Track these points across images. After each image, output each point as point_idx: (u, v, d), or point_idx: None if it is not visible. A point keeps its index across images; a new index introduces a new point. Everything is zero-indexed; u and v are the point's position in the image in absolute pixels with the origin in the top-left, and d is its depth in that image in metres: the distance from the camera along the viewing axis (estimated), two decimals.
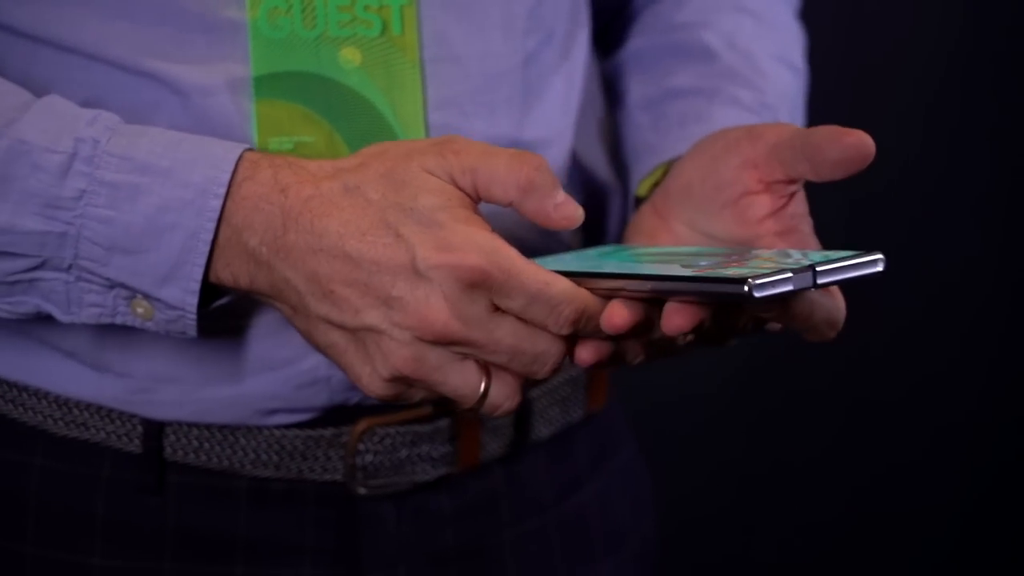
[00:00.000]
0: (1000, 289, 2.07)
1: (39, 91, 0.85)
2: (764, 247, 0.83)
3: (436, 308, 0.75)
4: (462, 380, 0.77)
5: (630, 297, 0.76)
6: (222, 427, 0.89)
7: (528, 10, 0.90)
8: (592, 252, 0.87)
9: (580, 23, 0.97)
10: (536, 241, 0.89)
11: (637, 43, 1.04)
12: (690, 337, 0.77)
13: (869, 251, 0.75)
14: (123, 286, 0.80)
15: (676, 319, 0.74)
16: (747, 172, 0.84)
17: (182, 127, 0.85)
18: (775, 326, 0.82)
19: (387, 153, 0.79)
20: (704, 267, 0.75)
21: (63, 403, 0.90)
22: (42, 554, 0.90)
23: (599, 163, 0.99)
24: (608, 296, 0.76)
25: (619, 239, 0.96)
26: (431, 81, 0.88)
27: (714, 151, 0.86)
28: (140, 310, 0.81)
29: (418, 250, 0.75)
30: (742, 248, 0.82)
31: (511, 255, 0.75)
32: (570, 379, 0.98)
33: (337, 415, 0.90)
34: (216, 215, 0.78)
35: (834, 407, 2.08)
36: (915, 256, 2.01)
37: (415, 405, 0.88)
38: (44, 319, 0.84)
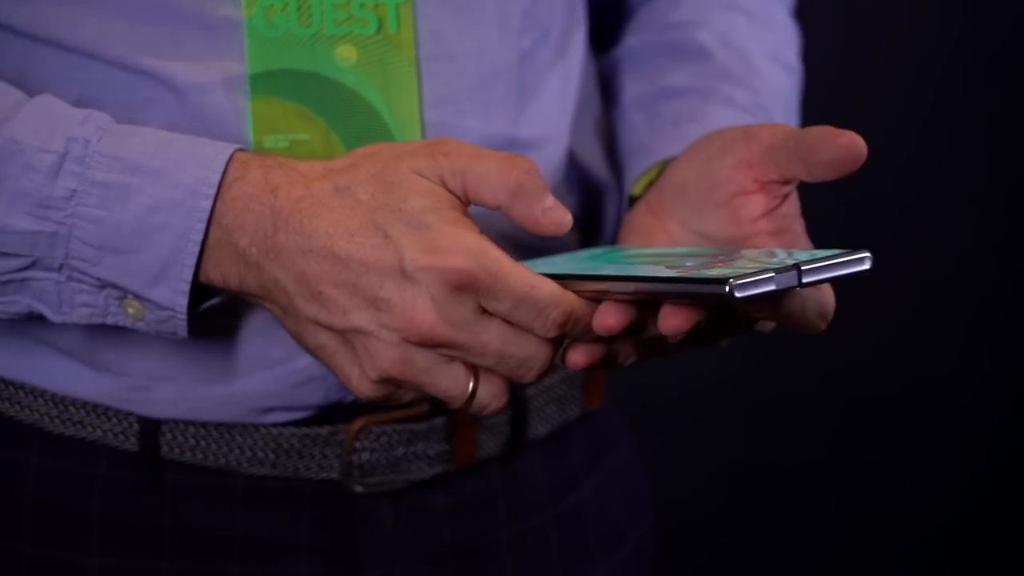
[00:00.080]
0: (995, 288, 2.07)
1: (36, 89, 0.85)
2: (756, 247, 0.83)
3: (423, 310, 0.75)
4: (450, 382, 0.78)
5: (617, 299, 0.76)
6: (218, 425, 0.89)
7: (524, 8, 0.90)
8: (584, 254, 0.87)
9: (576, 21, 0.97)
10: (532, 240, 0.89)
11: (632, 41, 1.04)
12: (680, 336, 0.77)
13: (856, 249, 0.75)
14: (114, 286, 0.80)
15: (673, 319, 0.74)
16: (741, 172, 0.84)
17: (178, 125, 0.85)
18: (767, 326, 0.82)
19: (378, 154, 0.79)
20: (689, 268, 0.75)
21: (59, 401, 0.90)
22: (39, 552, 0.90)
23: (596, 161, 0.99)
24: (596, 298, 0.76)
25: (615, 237, 0.96)
26: (427, 79, 0.88)
27: (709, 151, 0.86)
28: (131, 310, 0.81)
29: (406, 252, 0.75)
30: (731, 249, 0.82)
31: (499, 257, 0.75)
32: (567, 377, 0.98)
33: (333, 413, 0.90)
34: (206, 215, 0.79)
35: (830, 406, 2.08)
36: (911, 256, 2.02)
37: (408, 404, 0.88)
38: (39, 318, 0.84)
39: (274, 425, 0.90)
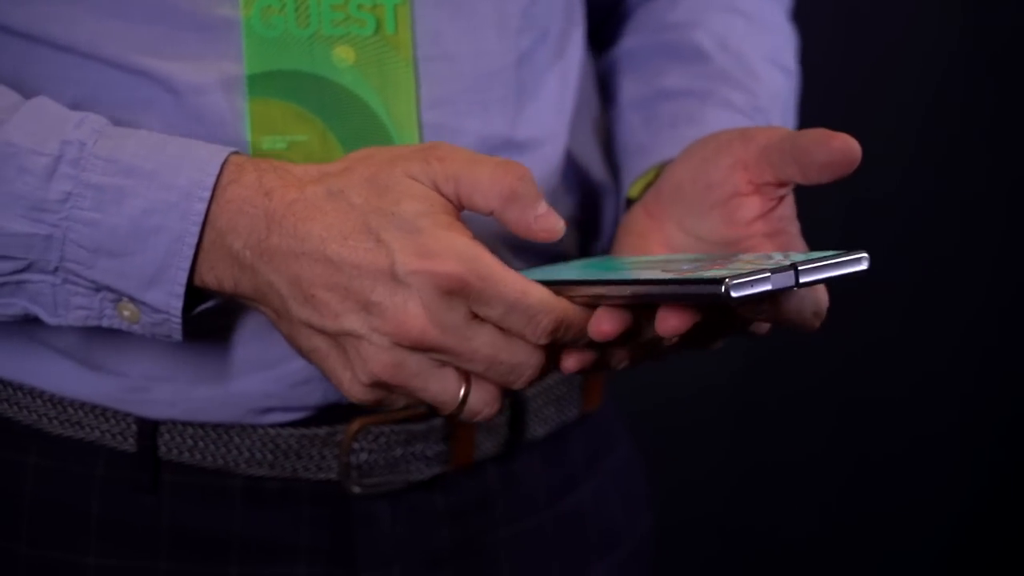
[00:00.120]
0: (994, 290, 2.07)
1: (33, 89, 0.85)
2: (752, 248, 0.83)
3: (413, 314, 0.75)
4: (441, 387, 0.77)
5: (613, 304, 0.76)
6: (216, 426, 0.89)
7: (522, 9, 0.90)
8: (581, 262, 0.88)
9: (575, 21, 0.97)
10: (536, 244, 0.89)
11: (629, 42, 1.04)
12: (675, 339, 0.77)
13: (853, 250, 0.75)
14: (109, 289, 0.80)
15: (670, 321, 0.74)
16: (737, 173, 0.84)
17: (175, 125, 0.85)
18: (761, 327, 0.82)
19: (372, 158, 0.79)
20: (685, 270, 0.75)
21: (58, 402, 0.90)
22: (37, 553, 0.90)
23: (594, 162, 0.99)
24: (591, 304, 0.76)
25: (612, 239, 0.97)
26: (424, 80, 0.88)
27: (706, 152, 0.86)
28: (126, 313, 0.81)
29: (398, 255, 0.75)
30: (728, 253, 0.82)
31: (490, 263, 0.75)
32: (565, 379, 0.98)
33: (331, 414, 0.90)
34: (201, 218, 0.79)
35: (828, 406, 2.08)
36: (910, 257, 2.02)
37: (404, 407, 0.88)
38: (37, 319, 0.84)
39: (272, 426, 0.90)
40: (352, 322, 0.76)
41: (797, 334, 0.82)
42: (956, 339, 2.08)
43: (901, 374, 2.08)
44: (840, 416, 2.08)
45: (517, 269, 0.91)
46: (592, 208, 0.99)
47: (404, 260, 0.75)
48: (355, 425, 0.90)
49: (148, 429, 0.89)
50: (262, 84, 0.86)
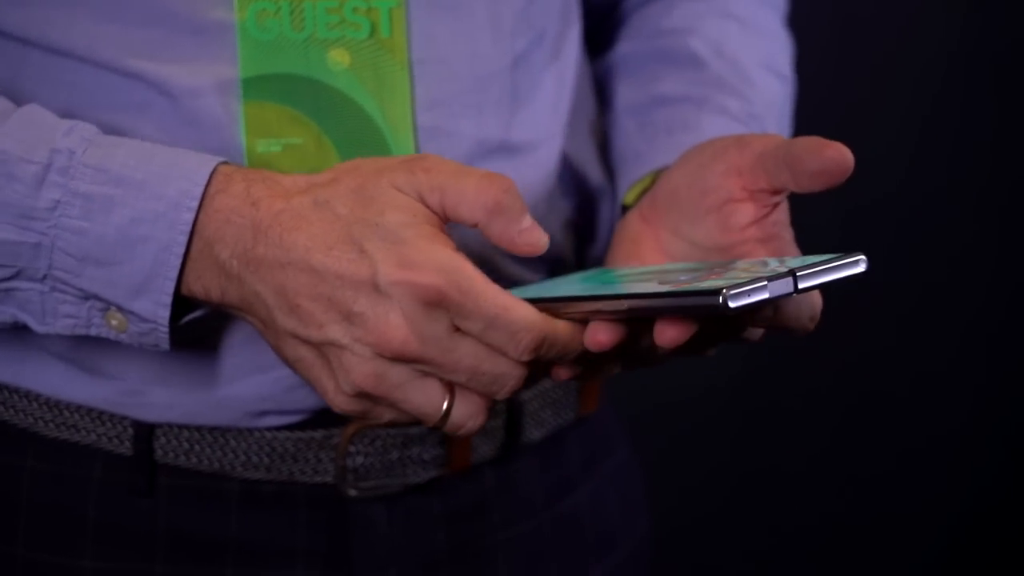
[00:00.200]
0: (992, 293, 2.07)
1: (28, 94, 0.85)
2: (746, 254, 0.83)
3: (395, 325, 0.75)
4: (424, 398, 0.77)
5: (611, 319, 0.75)
6: (212, 429, 0.89)
7: (517, 12, 0.90)
8: (576, 276, 0.87)
9: (571, 22, 0.96)
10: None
11: (625, 47, 1.04)
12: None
13: (850, 252, 0.74)
14: (97, 298, 0.81)
15: (669, 331, 0.74)
16: (732, 179, 0.84)
17: (171, 129, 0.85)
18: (755, 333, 0.82)
19: (360, 169, 0.79)
20: (682, 282, 0.74)
21: (54, 405, 0.90)
22: (33, 556, 0.90)
23: (591, 165, 0.99)
24: (588, 320, 0.76)
25: (608, 244, 0.97)
26: (419, 83, 0.88)
27: (702, 158, 0.86)
28: (114, 322, 0.82)
29: (380, 266, 0.75)
30: (725, 261, 0.82)
31: (471, 276, 0.75)
32: (562, 382, 0.98)
33: (328, 417, 0.90)
34: (188, 228, 0.79)
35: (826, 409, 2.08)
36: (909, 260, 2.02)
37: None
38: None
39: (268, 429, 0.90)
40: (335, 332, 0.76)
41: (795, 337, 0.82)
42: (955, 342, 2.08)
43: (900, 377, 2.08)
44: (838, 419, 2.08)
45: (513, 274, 0.91)
46: (588, 211, 0.99)
47: (386, 271, 0.75)
48: (351, 428, 0.90)
49: (144, 432, 0.89)
50: (257, 87, 0.86)
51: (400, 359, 0.76)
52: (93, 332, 0.82)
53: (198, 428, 0.89)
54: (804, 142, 0.80)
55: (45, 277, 0.80)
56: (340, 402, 0.78)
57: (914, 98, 2.02)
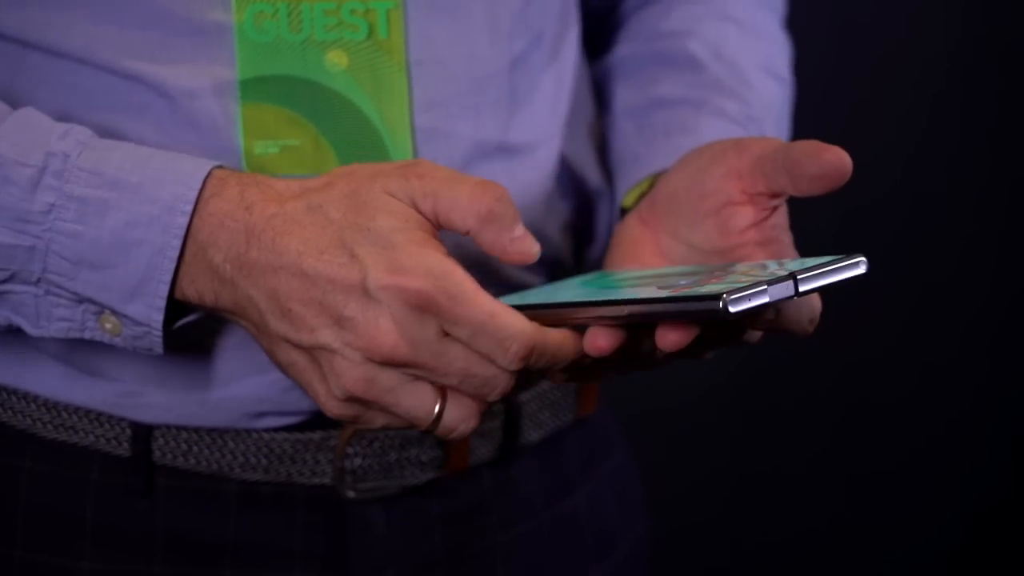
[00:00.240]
0: (991, 295, 2.07)
1: (26, 95, 0.85)
2: (745, 257, 0.83)
3: (384, 330, 0.75)
4: (416, 402, 0.77)
5: (611, 324, 0.75)
6: (210, 430, 0.89)
7: (514, 13, 0.90)
8: (575, 281, 0.87)
9: (570, 23, 0.96)
10: (544, 254, 0.90)
11: (623, 50, 1.04)
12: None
13: (850, 254, 0.74)
14: (91, 301, 0.81)
15: (672, 335, 0.74)
16: (731, 182, 0.84)
17: (169, 130, 0.85)
18: (753, 336, 0.82)
19: (354, 174, 0.79)
20: (682, 286, 0.74)
21: (52, 407, 0.90)
22: (31, 558, 0.90)
23: (589, 167, 0.99)
24: (588, 325, 0.76)
25: (606, 246, 0.96)
26: (417, 84, 0.88)
27: (701, 162, 0.86)
28: (108, 325, 0.82)
29: (370, 270, 0.75)
30: (724, 264, 0.82)
31: (460, 281, 0.75)
32: (561, 384, 0.98)
33: (326, 418, 0.88)
34: (182, 232, 0.79)
35: (824, 412, 2.08)
36: (908, 262, 2.02)
37: None
38: None
39: (266, 430, 0.90)
40: (326, 337, 0.76)
41: (794, 339, 0.82)
42: (955, 343, 2.07)
43: (899, 378, 2.08)
44: (837, 422, 2.08)
45: (512, 277, 0.91)
46: (587, 213, 0.99)
47: (375, 275, 0.75)
48: (349, 430, 0.90)
49: (142, 434, 0.89)
50: (255, 89, 0.86)
51: (390, 363, 0.76)
52: (87, 336, 0.82)
53: (196, 429, 0.89)
54: (802, 146, 0.80)
55: (39, 280, 0.80)
56: (332, 406, 0.78)
57: (913, 100, 2.02)
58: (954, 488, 2.10)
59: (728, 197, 0.84)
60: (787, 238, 0.84)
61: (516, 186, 0.90)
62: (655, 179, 0.92)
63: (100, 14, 0.85)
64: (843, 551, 2.10)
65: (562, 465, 0.99)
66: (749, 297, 0.70)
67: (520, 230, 0.78)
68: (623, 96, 1.02)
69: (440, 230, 0.79)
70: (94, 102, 0.85)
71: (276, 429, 0.90)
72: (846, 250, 0.77)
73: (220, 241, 0.78)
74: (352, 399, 0.77)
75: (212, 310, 0.81)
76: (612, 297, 0.76)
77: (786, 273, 0.72)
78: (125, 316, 0.80)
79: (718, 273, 0.77)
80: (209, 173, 0.80)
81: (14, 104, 0.84)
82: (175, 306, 0.81)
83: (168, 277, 0.79)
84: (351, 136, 0.87)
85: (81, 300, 0.81)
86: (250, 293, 0.78)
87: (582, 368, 0.79)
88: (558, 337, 0.76)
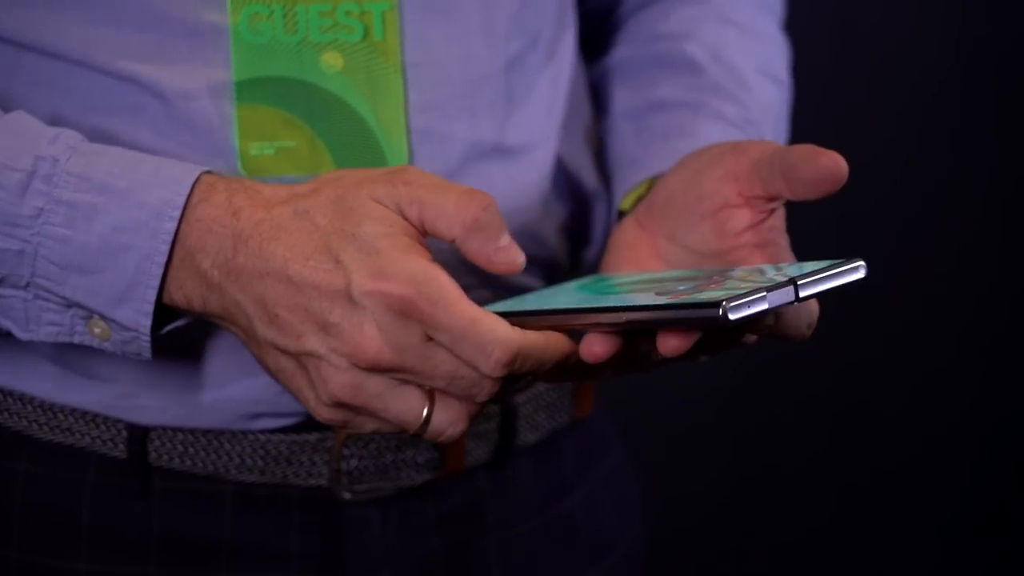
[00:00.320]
0: (991, 297, 2.07)
1: (21, 97, 0.85)
2: (742, 260, 0.83)
3: (369, 336, 0.75)
4: (403, 406, 0.77)
5: (609, 331, 0.75)
6: (207, 432, 0.89)
7: (510, 14, 0.90)
8: (571, 285, 0.87)
9: (566, 26, 0.96)
10: (545, 255, 0.91)
11: (621, 52, 1.04)
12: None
13: (850, 258, 0.74)
14: (80, 306, 0.81)
15: (673, 341, 0.74)
16: (728, 185, 0.84)
17: (164, 132, 0.85)
18: (749, 338, 0.82)
19: (342, 180, 0.79)
20: (681, 292, 0.74)
21: (48, 408, 0.90)
22: (27, 559, 0.90)
23: (586, 169, 0.99)
24: (586, 331, 0.75)
25: (603, 249, 0.96)
26: (413, 85, 0.88)
27: (698, 164, 0.86)
28: (97, 330, 0.82)
29: (354, 276, 0.75)
30: (722, 268, 0.82)
31: (442, 287, 0.75)
32: (556, 385, 0.98)
33: None
34: (170, 237, 0.79)
35: (823, 414, 2.08)
36: (907, 264, 2.02)
37: None
38: None
39: (262, 431, 0.90)
40: (313, 343, 0.76)
41: (791, 343, 0.82)
42: (953, 347, 2.07)
43: (897, 381, 2.07)
44: (836, 424, 2.08)
45: (510, 279, 0.91)
46: (583, 215, 0.99)
47: (359, 281, 0.75)
48: (345, 431, 0.90)
49: (138, 435, 0.89)
50: (250, 90, 0.86)
51: (376, 369, 0.76)
52: (76, 340, 0.82)
53: (192, 431, 0.89)
54: (799, 150, 0.80)
55: (28, 284, 0.80)
56: (320, 412, 0.78)
57: (912, 103, 2.02)
58: (954, 489, 2.09)
59: (725, 200, 0.84)
60: (784, 241, 0.84)
61: (512, 188, 0.90)
62: (653, 182, 0.92)
63: (95, 16, 0.85)
64: (841, 553, 2.10)
65: (558, 466, 0.99)
66: (749, 304, 0.70)
67: (506, 240, 0.78)
68: (621, 98, 1.02)
69: (426, 237, 0.79)
70: (89, 103, 0.85)
71: (272, 431, 0.90)
72: (844, 253, 0.76)
73: (208, 246, 0.78)
74: (340, 405, 0.77)
75: (200, 315, 0.81)
76: (610, 304, 0.76)
77: (785, 279, 0.72)
78: (113, 321, 0.80)
79: (716, 278, 0.76)
80: (197, 178, 0.80)
81: (8, 106, 0.84)
82: (163, 311, 0.81)
83: (156, 282, 0.79)
84: (347, 138, 0.87)
85: (70, 305, 0.81)
86: (238, 299, 0.78)
87: (577, 368, 0.79)
88: (541, 340, 0.76)
